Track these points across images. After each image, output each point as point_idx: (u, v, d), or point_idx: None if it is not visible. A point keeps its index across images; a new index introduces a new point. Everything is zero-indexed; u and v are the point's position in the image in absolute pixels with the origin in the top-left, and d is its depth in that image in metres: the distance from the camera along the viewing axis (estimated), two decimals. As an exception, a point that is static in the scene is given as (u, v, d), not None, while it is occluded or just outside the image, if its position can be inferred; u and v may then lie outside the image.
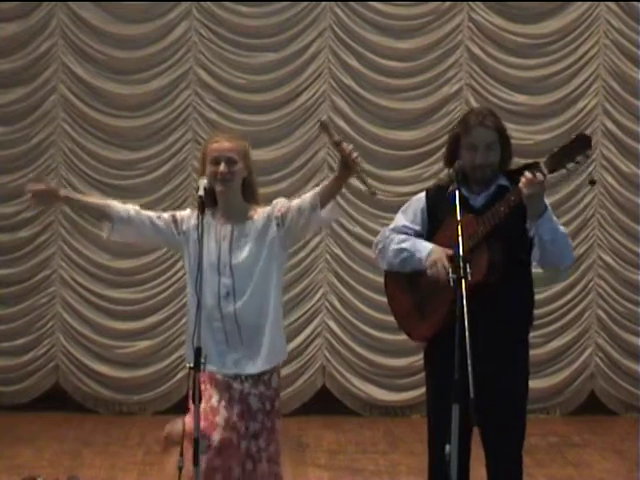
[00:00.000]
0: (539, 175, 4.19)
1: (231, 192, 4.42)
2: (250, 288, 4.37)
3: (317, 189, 4.35)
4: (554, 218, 4.37)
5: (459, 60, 8.92)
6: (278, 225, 4.39)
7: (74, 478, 6.66)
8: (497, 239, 4.30)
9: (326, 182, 4.36)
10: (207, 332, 4.27)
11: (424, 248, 4.44)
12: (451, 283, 4.02)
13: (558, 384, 8.92)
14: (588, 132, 8.87)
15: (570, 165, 4.19)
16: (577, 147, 4.15)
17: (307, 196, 4.36)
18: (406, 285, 4.59)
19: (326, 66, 8.91)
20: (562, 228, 4.40)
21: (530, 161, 4.43)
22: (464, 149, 4.42)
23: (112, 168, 8.78)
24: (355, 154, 4.15)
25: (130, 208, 4.51)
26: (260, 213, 4.45)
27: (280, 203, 4.43)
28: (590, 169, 8.67)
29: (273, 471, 4.43)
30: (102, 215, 4.51)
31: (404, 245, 4.51)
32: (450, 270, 4.12)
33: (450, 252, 4.27)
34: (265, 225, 4.42)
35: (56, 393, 8.90)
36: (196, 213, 4.39)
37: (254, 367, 4.39)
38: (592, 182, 4.43)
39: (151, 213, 4.55)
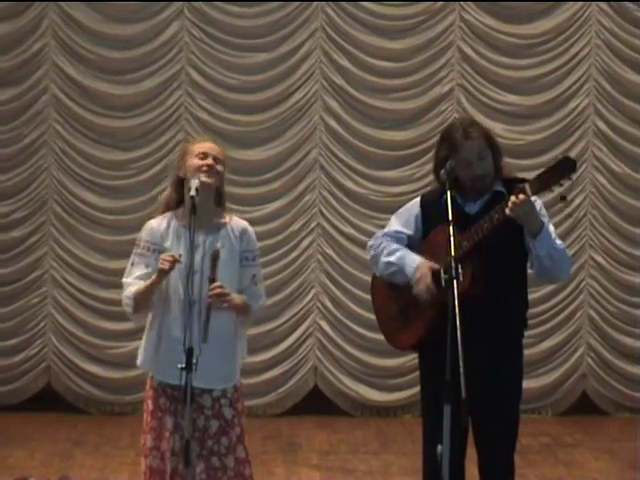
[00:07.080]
0: (522, 197, 4.16)
1: (208, 193, 4.34)
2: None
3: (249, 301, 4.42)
4: (552, 234, 4.33)
5: (451, 60, 8.92)
6: (241, 260, 4.42)
7: (66, 478, 6.66)
8: (482, 253, 4.27)
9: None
10: (170, 342, 4.17)
11: (412, 261, 4.43)
12: (442, 284, 4.04)
13: (550, 384, 8.93)
14: (579, 132, 8.92)
15: (554, 187, 4.19)
16: (562, 170, 4.13)
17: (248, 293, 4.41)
18: (391, 290, 4.60)
19: (318, 66, 8.91)
20: (559, 243, 4.37)
21: (518, 176, 4.45)
22: (458, 167, 4.36)
23: (104, 168, 8.74)
24: (213, 292, 4.20)
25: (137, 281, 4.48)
26: (234, 224, 4.43)
27: (252, 255, 4.45)
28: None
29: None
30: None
31: (392, 259, 4.51)
32: (442, 271, 4.12)
33: (436, 266, 4.30)
34: (238, 242, 4.40)
35: (48, 394, 8.87)
36: (159, 219, 4.41)
37: (217, 382, 4.36)
38: (563, 198, 4.38)
39: (144, 270, 4.44)
